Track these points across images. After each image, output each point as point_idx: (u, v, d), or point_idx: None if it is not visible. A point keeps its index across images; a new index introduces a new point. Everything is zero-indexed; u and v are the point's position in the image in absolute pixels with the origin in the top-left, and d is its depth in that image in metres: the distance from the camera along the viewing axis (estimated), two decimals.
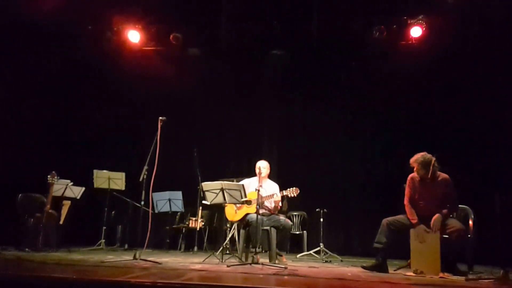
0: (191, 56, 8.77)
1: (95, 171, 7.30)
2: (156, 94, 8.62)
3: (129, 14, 8.23)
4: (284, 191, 5.39)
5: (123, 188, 7.42)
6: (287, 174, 7.71)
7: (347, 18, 7.89)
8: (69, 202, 6.92)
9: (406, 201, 4.95)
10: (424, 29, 7.76)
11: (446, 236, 4.63)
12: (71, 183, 6.76)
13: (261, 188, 5.28)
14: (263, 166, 5.71)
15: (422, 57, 7.79)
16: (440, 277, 4.36)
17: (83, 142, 8.52)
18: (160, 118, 5.20)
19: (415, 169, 4.90)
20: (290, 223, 5.58)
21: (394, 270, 4.95)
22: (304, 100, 8.82)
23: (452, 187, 4.81)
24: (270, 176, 5.91)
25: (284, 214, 5.96)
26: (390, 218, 4.94)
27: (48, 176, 6.26)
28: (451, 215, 4.86)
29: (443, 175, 4.86)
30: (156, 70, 8.50)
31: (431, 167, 4.77)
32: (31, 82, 8.02)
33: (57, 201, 6.67)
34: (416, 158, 4.87)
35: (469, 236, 4.96)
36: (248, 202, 5.42)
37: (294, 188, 5.34)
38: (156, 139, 5.10)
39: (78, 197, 6.94)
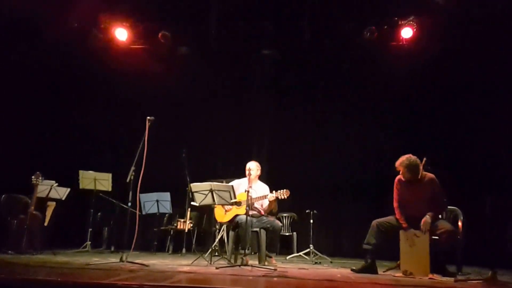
0: (180, 55, 8.68)
1: (80, 171, 7.18)
2: (144, 94, 8.52)
3: (116, 12, 8.11)
4: (274, 192, 5.35)
5: (110, 189, 7.31)
6: (277, 175, 7.68)
7: (339, 18, 7.89)
8: (54, 203, 6.78)
9: (395, 204, 4.97)
10: (415, 30, 7.77)
11: (436, 237, 4.64)
12: (56, 184, 6.61)
13: (251, 189, 5.23)
14: (252, 167, 5.67)
15: (413, 58, 7.81)
16: (429, 278, 4.37)
17: (68, 142, 8.37)
18: (148, 118, 5.12)
19: (401, 172, 4.91)
20: (280, 224, 5.55)
21: (384, 272, 4.95)
22: (295, 101, 8.80)
23: (439, 187, 4.82)
24: (260, 177, 5.86)
25: (274, 216, 5.93)
26: (380, 220, 4.95)
27: (33, 177, 6.09)
28: (440, 216, 4.88)
29: (429, 175, 4.87)
30: (144, 69, 8.38)
31: (420, 169, 4.78)
32: (15, 81, 7.86)
33: (42, 202, 6.53)
34: (402, 161, 4.87)
35: (458, 237, 4.97)
36: (238, 203, 5.37)
37: (284, 190, 5.31)
38: (144, 139, 5.01)
39: (63, 198, 6.80)
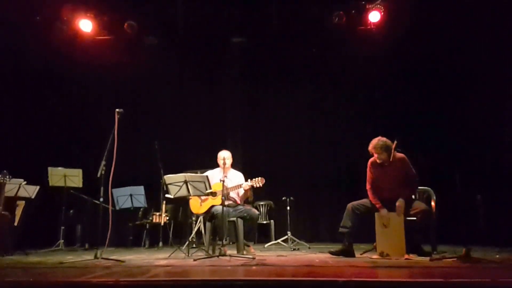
0: (148, 45, 8.49)
1: (49, 168, 6.96)
2: (112, 86, 8.34)
3: (79, 2, 7.85)
4: (249, 180, 5.32)
5: (81, 185, 7.12)
6: (252, 164, 7.67)
7: (307, 3, 7.84)
8: (23, 202, 6.57)
9: (368, 186, 5.02)
10: (382, 13, 7.80)
11: (412, 218, 4.71)
12: (25, 182, 6.42)
13: (226, 179, 5.18)
14: (227, 156, 5.61)
15: (381, 42, 7.86)
16: (406, 259, 4.43)
17: (35, 138, 8.09)
18: (117, 110, 4.99)
19: (376, 155, 4.92)
20: (257, 212, 5.53)
21: (361, 254, 5.01)
22: (267, 88, 8.75)
23: (409, 166, 4.90)
24: (234, 166, 5.82)
25: (250, 204, 5.91)
26: (354, 202, 5.00)
27: None
28: (413, 197, 4.95)
29: (399, 155, 4.93)
30: (111, 61, 8.16)
31: (392, 150, 4.83)
32: None
33: (11, 202, 6.31)
34: (375, 144, 4.89)
35: (432, 216, 5.05)
36: (213, 194, 5.32)
37: (259, 178, 5.28)
38: (114, 132, 4.89)
39: (33, 197, 6.60)
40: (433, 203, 5.21)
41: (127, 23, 8.02)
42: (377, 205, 4.81)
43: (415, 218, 4.71)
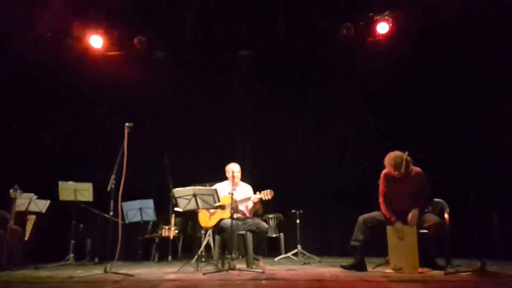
0: (157, 59, 8.60)
1: (60, 182, 6.98)
2: (122, 100, 8.39)
3: (90, 19, 7.98)
4: (258, 193, 5.29)
5: (91, 199, 7.14)
6: (261, 176, 7.63)
7: (314, 16, 7.87)
8: (34, 216, 6.63)
9: (381, 199, 4.94)
10: (390, 25, 7.81)
11: (425, 231, 4.63)
12: (35, 197, 6.47)
13: (235, 192, 5.16)
14: (236, 170, 5.60)
15: (390, 53, 7.83)
16: (419, 273, 4.36)
17: (46, 153, 8.18)
18: (127, 124, 5.04)
19: (393, 170, 4.83)
20: (266, 226, 5.48)
21: (373, 268, 4.95)
22: (275, 101, 8.76)
23: (426, 181, 4.81)
24: (243, 178, 5.81)
25: (259, 217, 5.87)
26: (366, 215, 4.93)
27: (10, 190, 5.93)
28: (426, 210, 4.87)
29: (416, 169, 4.85)
30: (121, 76, 8.24)
31: (403, 163, 4.75)
32: None
33: (21, 216, 6.38)
34: (392, 158, 4.81)
35: (446, 229, 4.97)
36: (222, 207, 5.29)
37: (268, 190, 5.25)
38: (123, 146, 4.91)
39: (44, 211, 6.65)
40: (446, 216, 5.11)
41: (137, 39, 8.13)
42: (392, 219, 4.72)
43: (428, 231, 4.62)
